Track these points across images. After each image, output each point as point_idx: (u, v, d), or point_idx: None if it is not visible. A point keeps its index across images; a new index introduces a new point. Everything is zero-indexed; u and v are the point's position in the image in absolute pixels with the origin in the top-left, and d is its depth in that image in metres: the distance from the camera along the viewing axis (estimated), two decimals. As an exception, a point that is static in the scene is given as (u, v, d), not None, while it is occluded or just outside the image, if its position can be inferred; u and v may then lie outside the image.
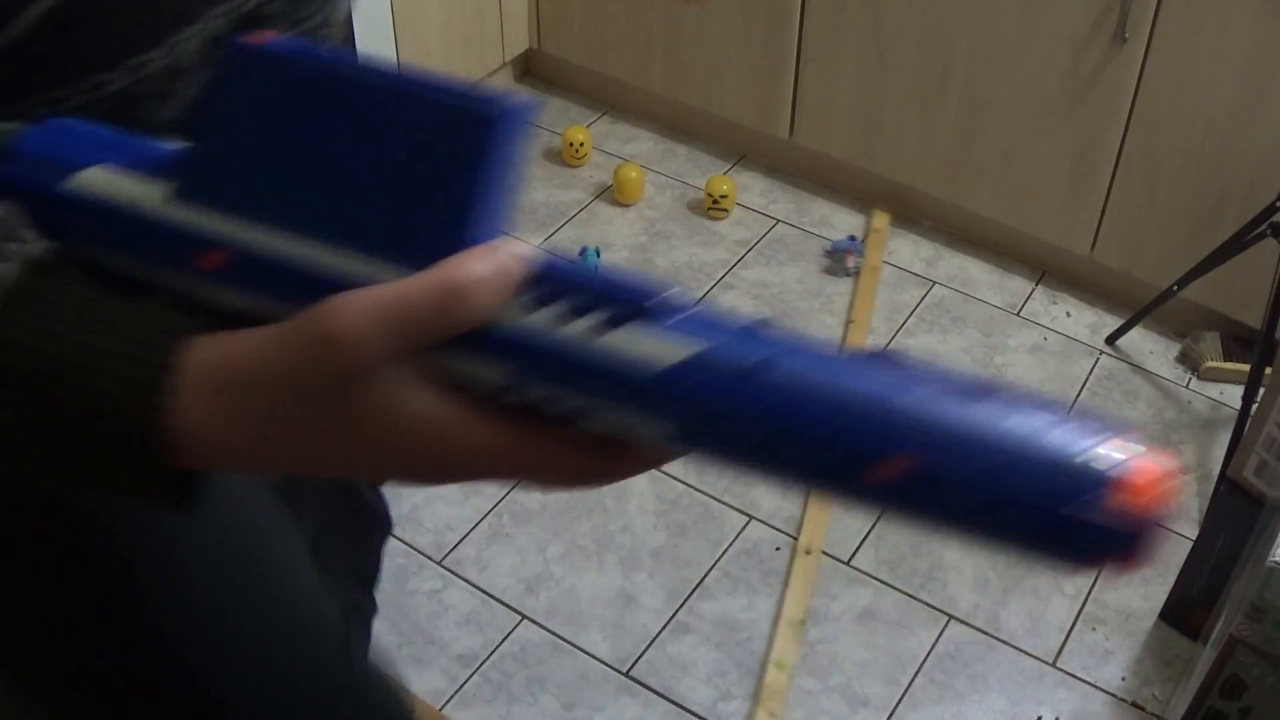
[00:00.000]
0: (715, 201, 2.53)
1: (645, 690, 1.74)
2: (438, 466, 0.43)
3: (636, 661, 1.78)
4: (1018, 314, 2.37)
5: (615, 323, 0.42)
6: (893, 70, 2.34)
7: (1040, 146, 2.25)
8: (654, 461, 0.45)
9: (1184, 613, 1.83)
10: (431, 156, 0.44)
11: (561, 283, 0.43)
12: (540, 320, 0.43)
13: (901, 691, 1.76)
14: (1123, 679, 1.79)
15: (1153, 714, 1.74)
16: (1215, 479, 2.04)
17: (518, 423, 0.43)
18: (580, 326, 0.42)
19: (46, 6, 0.52)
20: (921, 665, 1.79)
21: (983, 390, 0.41)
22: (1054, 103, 2.19)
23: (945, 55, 2.27)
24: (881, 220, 2.55)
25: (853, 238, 2.45)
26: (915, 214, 2.56)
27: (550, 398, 0.43)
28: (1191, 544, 1.81)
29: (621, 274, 0.43)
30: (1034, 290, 2.42)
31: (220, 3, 0.59)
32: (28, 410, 0.42)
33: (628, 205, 2.58)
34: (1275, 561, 1.36)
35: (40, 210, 0.48)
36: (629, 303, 0.42)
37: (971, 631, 1.84)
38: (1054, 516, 0.38)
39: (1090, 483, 0.38)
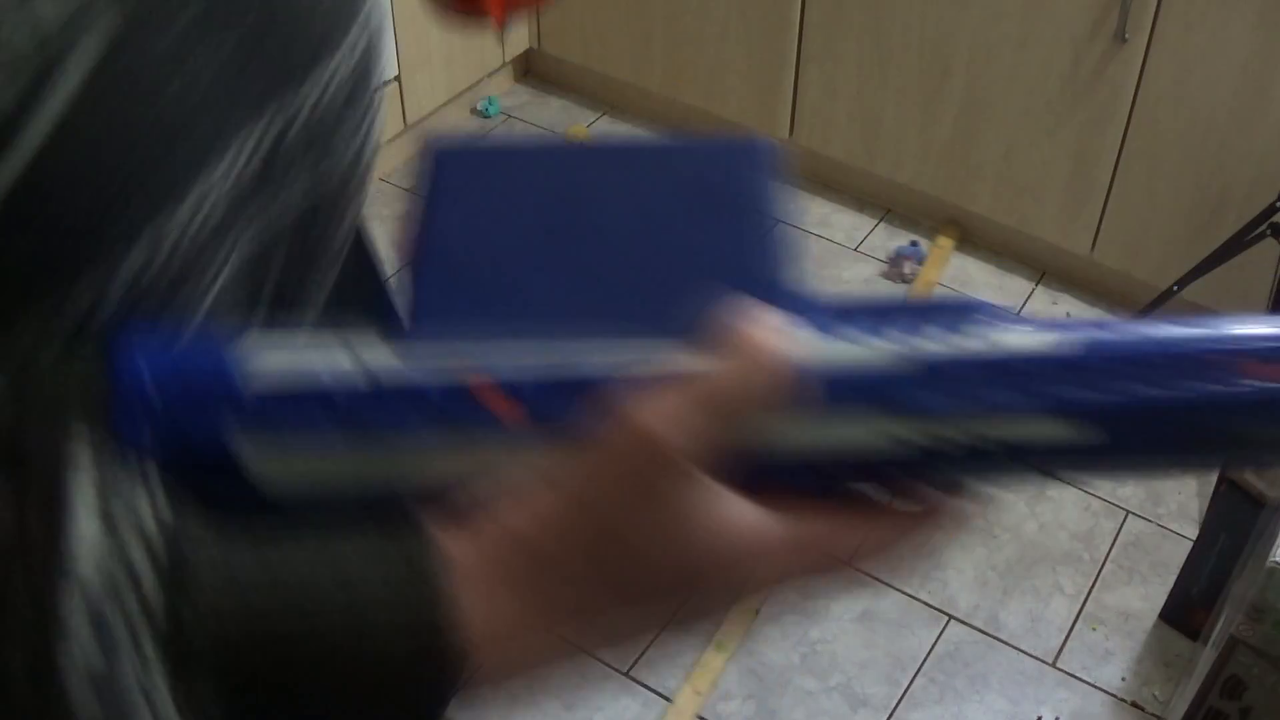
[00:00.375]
0: None
1: (645, 690, 1.75)
2: (753, 568, 0.38)
3: (636, 662, 1.78)
4: (1018, 314, 2.36)
5: (954, 330, 0.38)
6: (893, 70, 2.34)
7: (1040, 146, 2.25)
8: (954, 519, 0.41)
9: (1184, 613, 1.83)
10: (692, 206, 0.39)
11: (864, 313, 0.38)
12: (889, 353, 0.37)
13: (901, 691, 1.76)
14: (1123, 679, 1.79)
15: (1153, 714, 1.74)
16: (1215, 479, 2.04)
17: (829, 501, 0.38)
18: (932, 343, 0.37)
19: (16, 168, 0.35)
20: (921, 665, 1.79)
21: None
22: (1054, 103, 2.19)
23: (945, 55, 2.27)
24: (946, 242, 2.49)
25: (914, 243, 2.44)
26: (915, 214, 2.56)
27: (940, 432, 0.37)
28: (1191, 544, 1.81)
29: (888, 300, 0.39)
30: (1034, 290, 2.42)
31: (247, 124, 0.42)
32: (324, 693, 0.36)
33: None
34: (1275, 561, 1.36)
35: (209, 441, 0.36)
36: (954, 311, 0.38)
37: (971, 631, 1.84)
38: None
39: None
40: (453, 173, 0.39)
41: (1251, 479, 1.64)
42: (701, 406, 0.35)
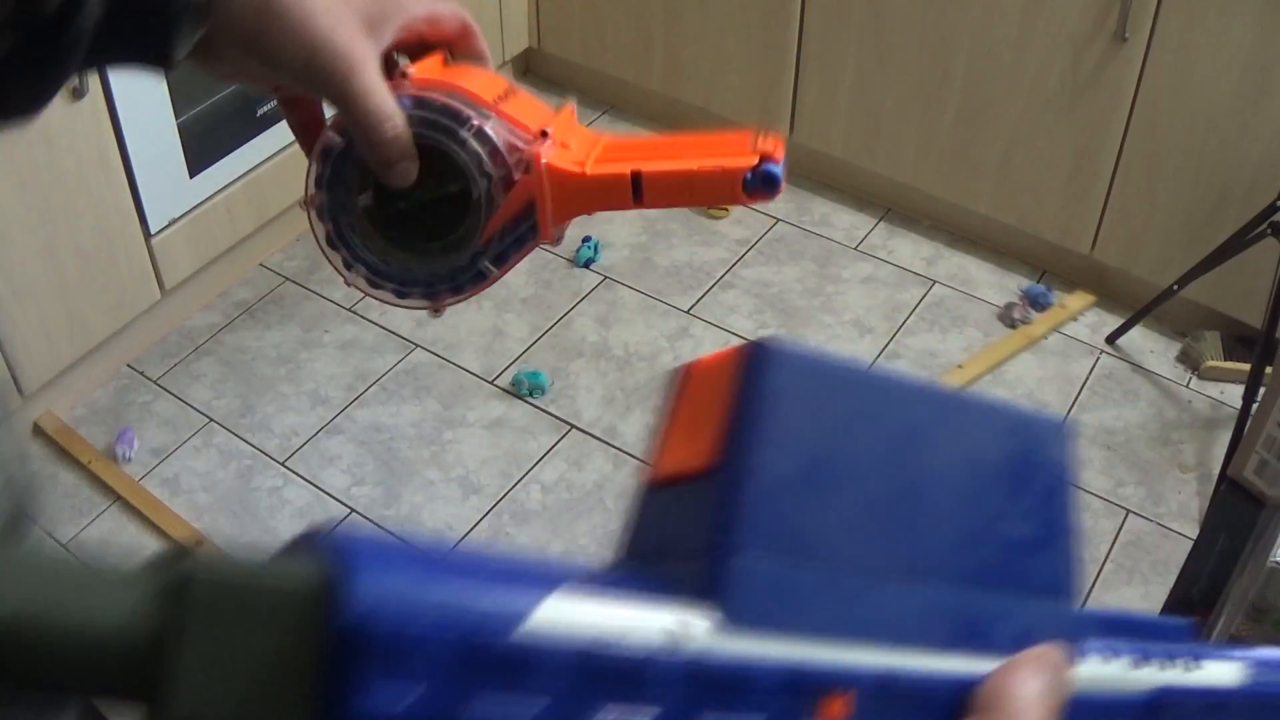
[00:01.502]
0: None
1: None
2: None
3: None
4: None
5: (1184, 657, 0.40)
6: (893, 70, 2.34)
7: (1040, 146, 2.25)
8: None
9: (1184, 612, 1.83)
10: (1007, 478, 0.37)
11: (1120, 634, 0.39)
12: (1143, 685, 0.39)
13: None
14: (1123, 678, 1.79)
15: (1153, 713, 1.74)
16: (1215, 479, 2.04)
17: None
18: (1169, 673, 0.39)
19: None
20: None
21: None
22: (1054, 102, 2.19)
23: (945, 55, 2.26)
24: (1080, 300, 2.37)
25: (1049, 288, 2.37)
26: (915, 214, 2.56)
27: None
28: (1191, 544, 1.81)
29: (1138, 616, 0.41)
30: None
31: None
32: None
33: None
34: (1276, 561, 1.36)
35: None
36: (1175, 638, 0.40)
37: (972, 631, 1.84)
38: None
39: None
40: (782, 378, 0.34)
41: (1252, 478, 1.64)
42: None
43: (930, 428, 0.36)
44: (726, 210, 2.55)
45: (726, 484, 0.33)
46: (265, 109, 2.23)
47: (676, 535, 0.35)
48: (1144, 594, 1.89)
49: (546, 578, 0.30)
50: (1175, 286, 2.13)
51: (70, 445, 2.08)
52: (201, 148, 2.13)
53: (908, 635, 0.34)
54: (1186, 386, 2.23)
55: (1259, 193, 2.02)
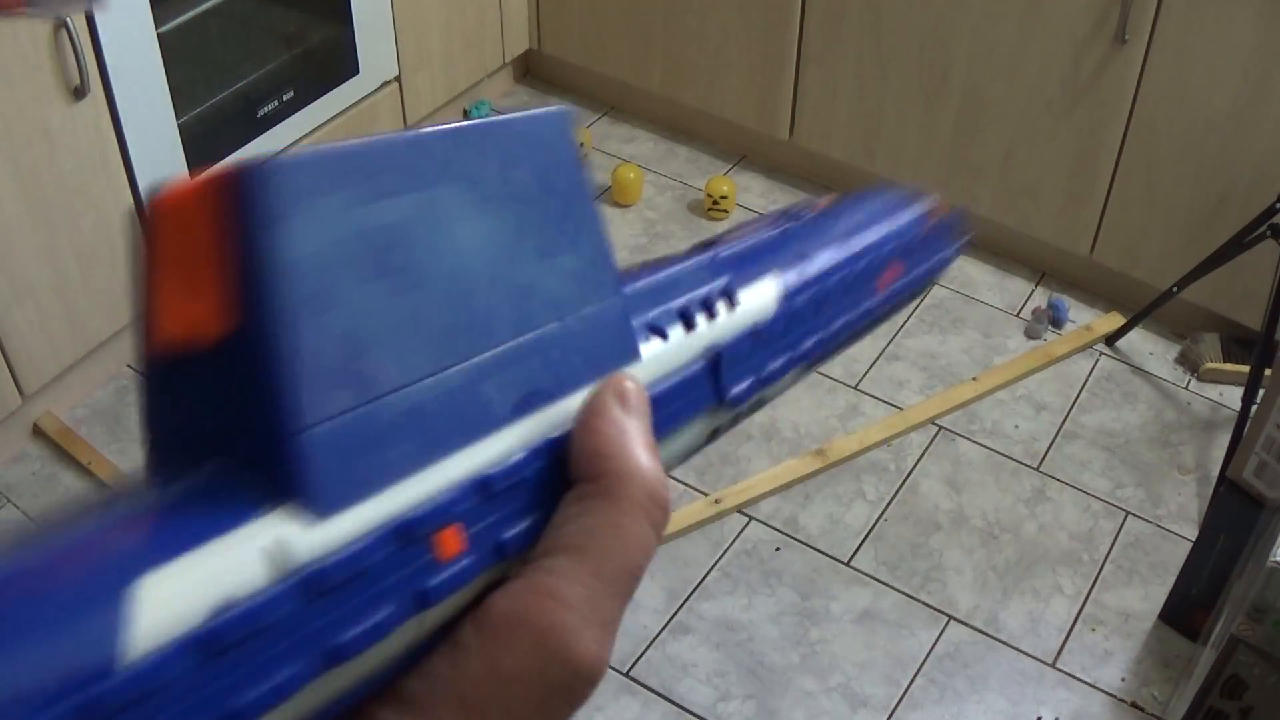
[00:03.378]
0: (715, 202, 2.53)
1: (645, 690, 1.74)
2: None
3: (637, 661, 1.78)
4: (1018, 315, 2.37)
5: (728, 297, 0.41)
6: (893, 71, 2.35)
7: (1040, 147, 2.25)
8: None
9: (1184, 613, 1.83)
10: (529, 187, 0.36)
11: (657, 293, 0.39)
12: (695, 351, 0.39)
13: (901, 692, 1.76)
14: (1122, 679, 1.79)
15: (1152, 714, 1.74)
16: (1215, 480, 2.04)
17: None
18: (718, 326, 0.40)
19: None
20: (921, 665, 1.80)
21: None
22: (1054, 104, 2.19)
23: (945, 56, 2.27)
24: (1108, 322, 2.34)
25: (1057, 305, 2.35)
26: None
27: (740, 412, 0.41)
28: (1191, 544, 1.81)
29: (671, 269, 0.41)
30: (1034, 291, 2.42)
31: None
32: None
33: (626, 206, 2.58)
34: (1275, 562, 1.36)
35: None
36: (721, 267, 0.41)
37: (971, 632, 1.84)
38: None
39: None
40: (277, 202, 0.29)
41: (1252, 480, 1.64)
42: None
43: (442, 188, 0.33)
44: (726, 212, 2.55)
45: (254, 353, 0.28)
46: (266, 110, 2.23)
47: (206, 423, 0.30)
48: (1144, 595, 1.89)
49: (121, 558, 0.25)
50: (1175, 288, 2.13)
51: (70, 445, 2.08)
52: (202, 148, 2.13)
53: (482, 422, 0.32)
54: (1186, 388, 2.23)
55: (1258, 195, 2.02)
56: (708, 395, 0.39)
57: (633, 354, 0.37)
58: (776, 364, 0.41)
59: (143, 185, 2.03)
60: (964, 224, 0.54)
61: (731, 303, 0.40)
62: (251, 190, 0.28)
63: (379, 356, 0.31)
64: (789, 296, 0.42)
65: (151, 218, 0.31)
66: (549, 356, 0.35)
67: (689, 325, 0.39)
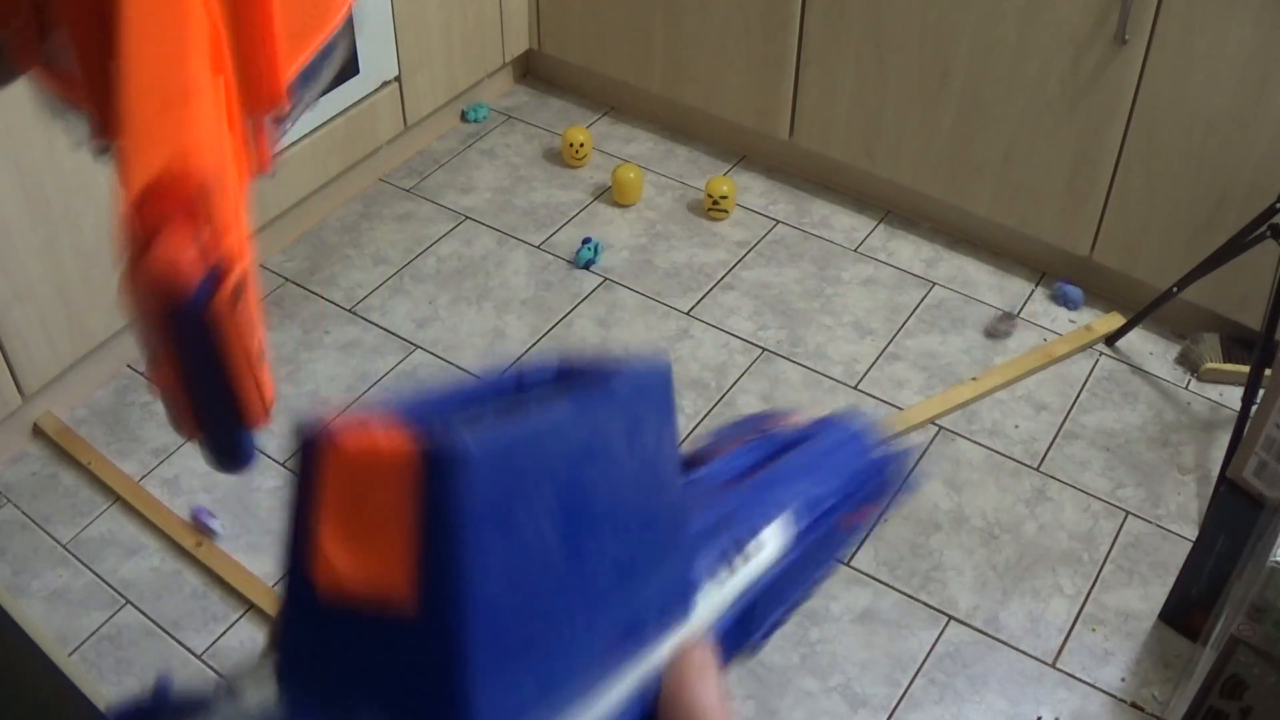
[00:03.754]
0: (715, 202, 2.53)
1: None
2: None
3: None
4: (1017, 315, 2.37)
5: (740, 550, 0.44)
6: (893, 71, 2.35)
7: (1040, 148, 2.25)
8: None
9: (1184, 613, 1.83)
10: (640, 443, 0.38)
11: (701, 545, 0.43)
12: (727, 604, 0.43)
13: (901, 692, 1.76)
14: (1122, 679, 1.79)
15: (1152, 714, 1.74)
16: (1215, 480, 2.04)
17: None
18: (741, 580, 0.44)
19: None
20: (921, 665, 1.80)
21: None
22: (1054, 104, 2.19)
23: (945, 56, 2.27)
24: (1108, 322, 2.34)
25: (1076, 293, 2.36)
26: (915, 216, 2.57)
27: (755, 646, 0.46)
28: (1191, 545, 1.81)
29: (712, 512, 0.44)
30: (1033, 291, 2.42)
31: None
32: None
33: (626, 206, 2.58)
34: (1275, 561, 1.36)
35: None
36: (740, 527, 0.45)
37: (971, 632, 1.84)
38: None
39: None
40: (468, 494, 0.31)
41: (1252, 480, 1.64)
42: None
43: (579, 459, 0.35)
44: (726, 212, 2.55)
45: (441, 646, 0.31)
46: (266, 110, 2.23)
47: (359, 679, 0.32)
48: (1144, 595, 1.89)
49: None
50: (1174, 289, 2.13)
51: (70, 445, 2.08)
52: (202, 148, 2.13)
53: (600, 684, 0.35)
54: (1186, 388, 2.23)
55: (1258, 195, 2.02)
56: (739, 642, 0.43)
57: (690, 609, 0.40)
58: (787, 607, 0.46)
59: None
60: (903, 466, 0.58)
61: (757, 546, 0.44)
62: (449, 482, 0.30)
63: (541, 634, 0.33)
64: (799, 540, 0.46)
65: (324, 455, 0.32)
66: (643, 613, 0.38)
67: (723, 574, 0.42)
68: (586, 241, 2.44)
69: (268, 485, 2.03)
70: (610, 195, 2.60)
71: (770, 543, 0.45)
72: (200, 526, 1.95)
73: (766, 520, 0.45)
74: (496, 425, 0.33)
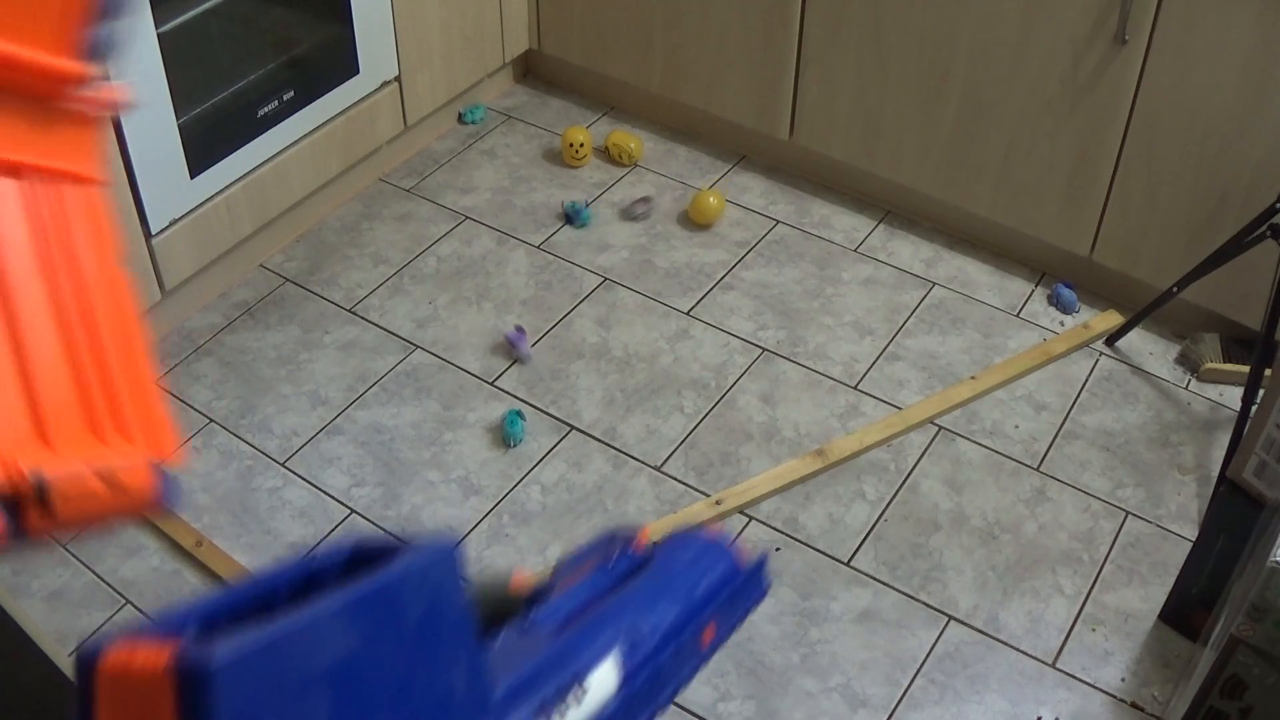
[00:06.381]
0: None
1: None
2: None
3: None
4: (1017, 315, 2.37)
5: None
6: (893, 71, 2.35)
7: (1040, 148, 2.25)
8: None
9: (1184, 613, 1.83)
10: (423, 624, 0.40)
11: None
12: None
13: (901, 692, 1.76)
14: (1122, 680, 1.79)
15: (1152, 714, 1.74)
16: (1215, 481, 2.04)
17: None
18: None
19: None
20: (921, 665, 1.80)
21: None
22: (1054, 104, 2.19)
23: (945, 57, 2.27)
24: (1106, 320, 2.34)
25: (1061, 295, 2.36)
26: (915, 216, 2.57)
27: None
28: (1191, 544, 1.81)
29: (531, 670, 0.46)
30: (1033, 291, 2.42)
31: None
32: None
33: (628, 166, 2.59)
34: (1275, 561, 1.36)
35: None
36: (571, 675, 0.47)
37: (971, 632, 1.84)
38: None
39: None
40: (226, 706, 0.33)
41: (1252, 480, 1.64)
42: None
43: (353, 652, 0.37)
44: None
45: None
46: (266, 110, 2.23)
47: None
48: (1144, 595, 1.89)
49: None
50: (1174, 289, 2.13)
51: (70, 445, 2.07)
52: (202, 148, 2.13)
53: None
54: (1186, 388, 2.23)
55: (1258, 195, 2.02)
56: None
57: None
58: None
59: (142, 184, 2.03)
60: (766, 572, 0.61)
61: (581, 691, 0.45)
62: (200, 696, 0.32)
63: None
64: (628, 680, 0.47)
65: (95, 677, 0.34)
66: None
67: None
68: (576, 206, 2.54)
69: (268, 485, 2.03)
70: (609, 195, 2.60)
71: (598, 685, 0.45)
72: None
73: (594, 662, 0.46)
74: (252, 635, 0.35)
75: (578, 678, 0.44)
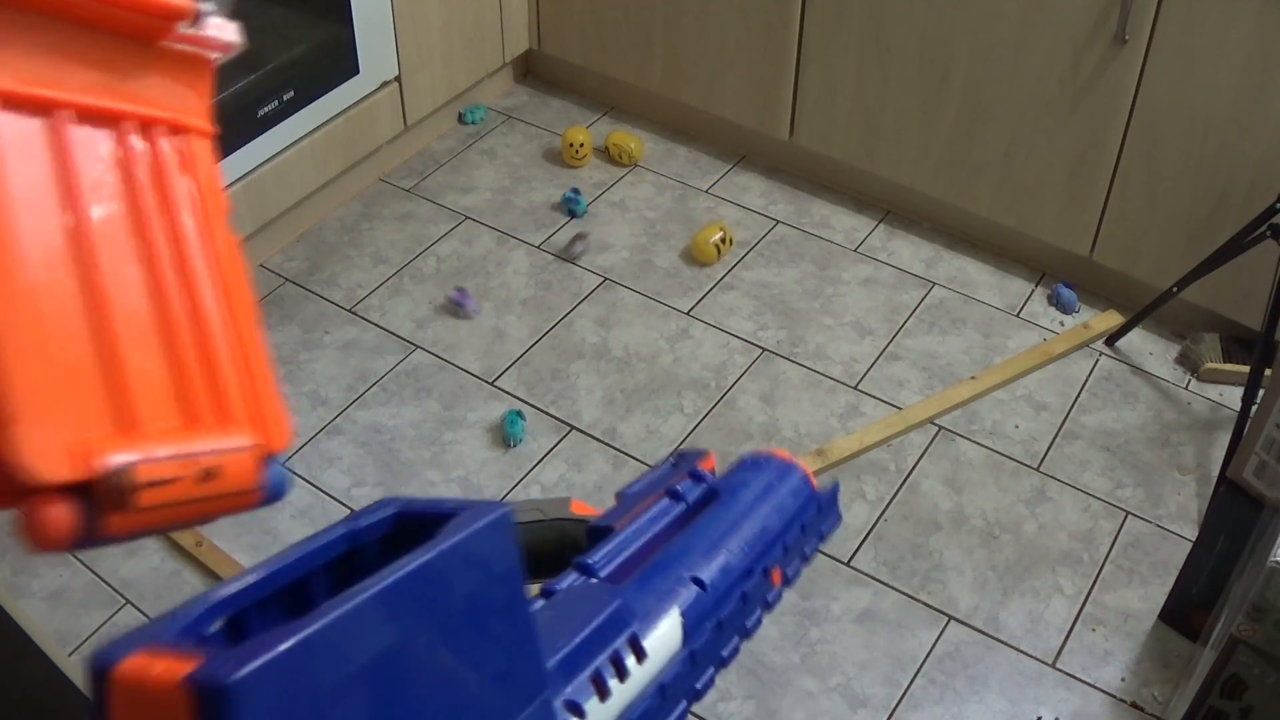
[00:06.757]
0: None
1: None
2: None
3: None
4: (1017, 315, 2.37)
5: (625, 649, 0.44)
6: (893, 71, 2.35)
7: (1040, 148, 2.25)
8: None
9: (1184, 613, 1.83)
10: (473, 603, 0.38)
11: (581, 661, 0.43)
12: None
13: (901, 692, 1.76)
14: (1122, 679, 1.79)
15: (1152, 714, 1.74)
16: (1215, 481, 2.04)
17: None
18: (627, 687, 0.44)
19: None
20: (921, 665, 1.80)
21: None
22: (1054, 104, 2.19)
23: (945, 57, 2.27)
24: (1106, 320, 2.34)
25: (1060, 297, 2.35)
26: (915, 216, 2.57)
27: None
28: (1191, 544, 1.81)
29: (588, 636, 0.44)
30: (1033, 291, 2.42)
31: None
32: None
33: (628, 166, 2.60)
34: (1275, 561, 1.36)
35: None
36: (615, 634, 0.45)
37: (971, 632, 1.84)
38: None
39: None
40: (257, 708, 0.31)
41: (1252, 480, 1.64)
42: None
43: (393, 645, 0.34)
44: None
45: None
46: (266, 110, 2.23)
47: None
48: (1144, 595, 1.89)
49: None
50: (1174, 289, 2.13)
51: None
52: (202, 148, 2.13)
53: None
54: (1186, 388, 2.23)
55: (1258, 195, 2.02)
56: None
57: None
58: (679, 712, 0.46)
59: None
60: (837, 501, 0.57)
61: (640, 655, 0.42)
62: (220, 715, 0.30)
63: None
64: (689, 636, 0.45)
65: (109, 686, 0.32)
66: None
67: (603, 693, 0.41)
68: (573, 193, 2.55)
69: (268, 485, 2.03)
70: (609, 195, 2.60)
71: (659, 645, 0.43)
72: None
73: (655, 620, 0.44)
74: (278, 638, 0.32)
75: (634, 641, 0.42)
